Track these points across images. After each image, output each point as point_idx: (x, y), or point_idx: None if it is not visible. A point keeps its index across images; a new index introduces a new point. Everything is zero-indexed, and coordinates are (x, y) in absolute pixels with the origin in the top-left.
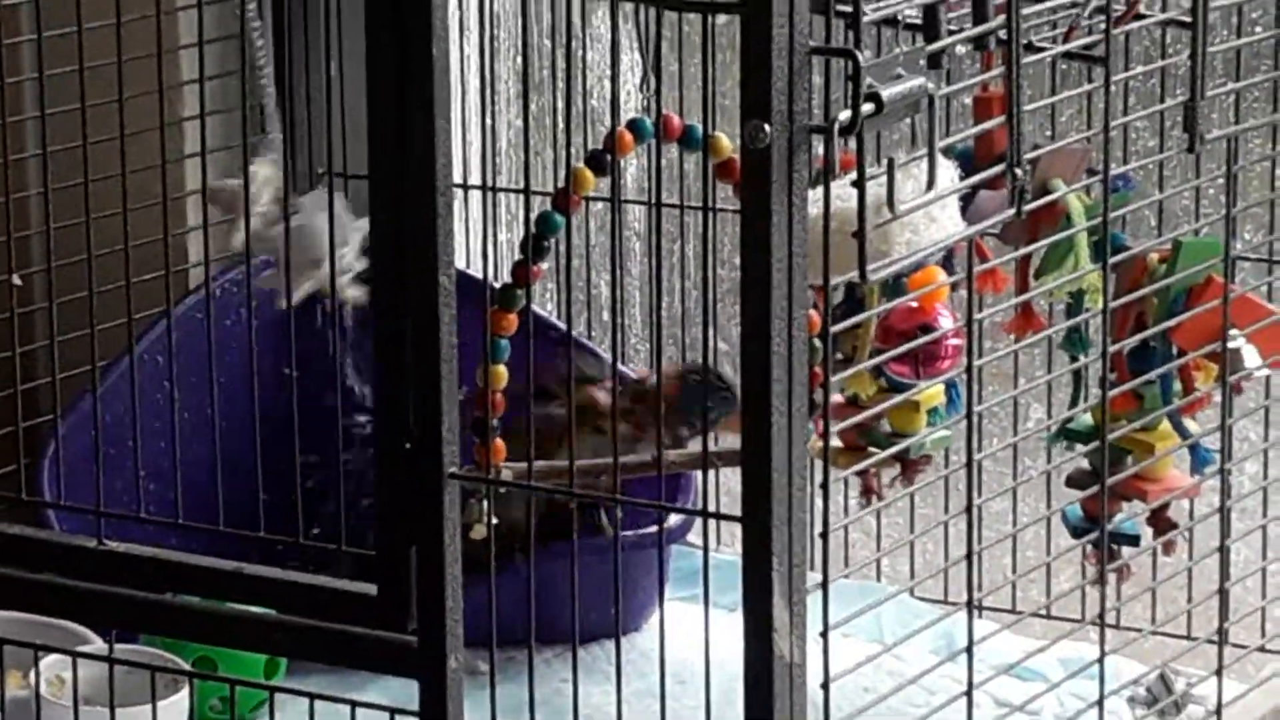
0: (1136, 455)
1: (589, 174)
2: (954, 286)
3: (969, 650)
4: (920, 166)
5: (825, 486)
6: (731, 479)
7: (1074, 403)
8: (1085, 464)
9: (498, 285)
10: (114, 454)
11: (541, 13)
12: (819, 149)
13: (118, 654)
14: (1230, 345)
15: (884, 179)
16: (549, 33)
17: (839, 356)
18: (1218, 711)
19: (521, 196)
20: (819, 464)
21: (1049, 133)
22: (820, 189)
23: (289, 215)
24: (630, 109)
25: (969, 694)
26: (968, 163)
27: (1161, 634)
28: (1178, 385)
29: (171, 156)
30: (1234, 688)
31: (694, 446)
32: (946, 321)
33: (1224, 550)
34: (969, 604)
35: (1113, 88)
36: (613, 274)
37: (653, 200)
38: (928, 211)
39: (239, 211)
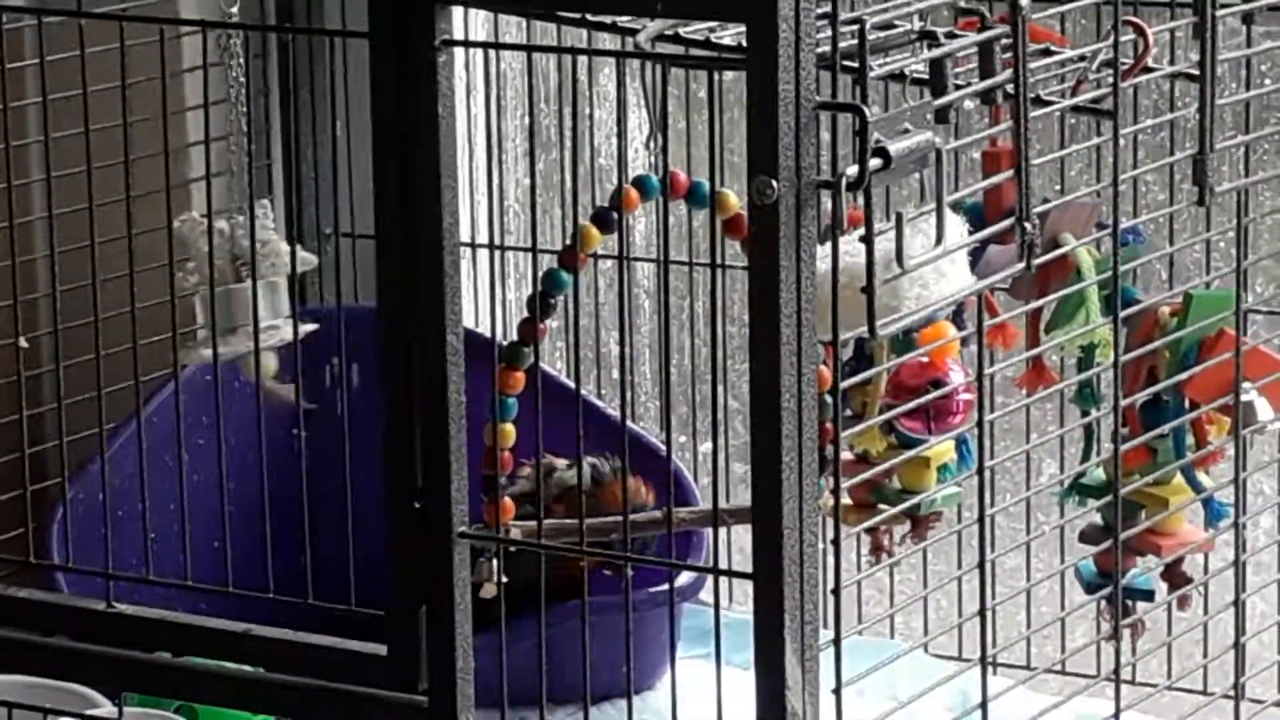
0: (1150, 510)
1: (595, 231)
2: (964, 341)
3: (983, 707)
4: (929, 221)
5: (836, 543)
6: (742, 536)
7: (1086, 457)
8: (1098, 519)
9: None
10: (122, 516)
11: (548, 71)
12: (827, 204)
13: (127, 717)
14: (1243, 398)
15: (893, 234)
16: (555, 91)
17: (849, 413)
18: None
19: (530, 255)
20: (830, 521)
21: (1058, 187)
22: (829, 244)
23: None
24: (637, 166)
25: None
26: (977, 217)
27: (1177, 689)
28: (1190, 439)
29: (177, 218)
30: None
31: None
32: (957, 376)
33: (1239, 605)
34: (983, 660)
35: (1121, 141)
36: (621, 331)
37: (661, 257)
38: (937, 266)
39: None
